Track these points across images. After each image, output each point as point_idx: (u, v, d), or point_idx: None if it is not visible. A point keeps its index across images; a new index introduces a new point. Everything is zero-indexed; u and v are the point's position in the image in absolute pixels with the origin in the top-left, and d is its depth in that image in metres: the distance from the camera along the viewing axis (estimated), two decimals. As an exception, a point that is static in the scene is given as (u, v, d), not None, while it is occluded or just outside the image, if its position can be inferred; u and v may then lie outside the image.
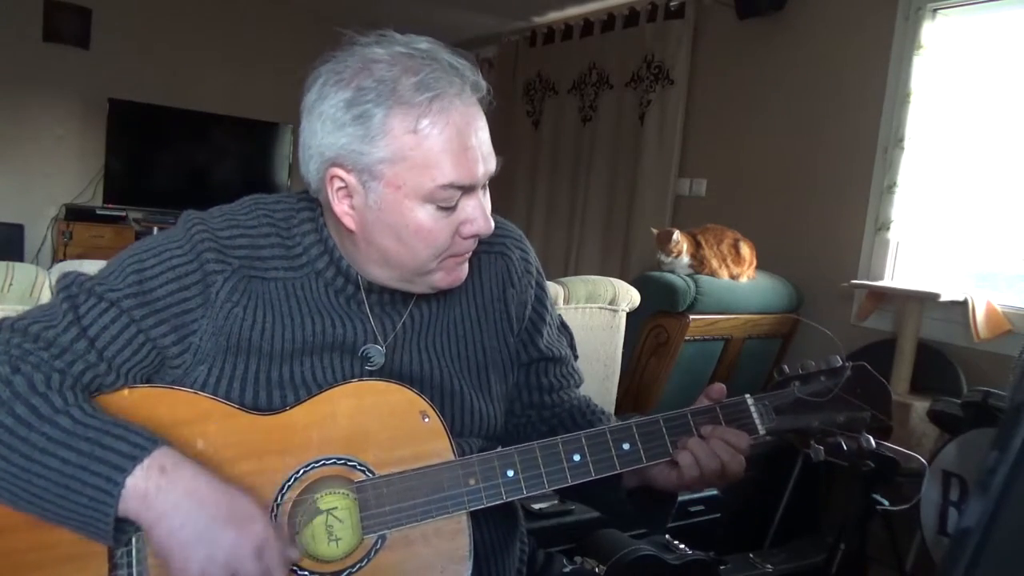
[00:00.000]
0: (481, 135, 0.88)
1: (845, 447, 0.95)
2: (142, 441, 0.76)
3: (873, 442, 0.95)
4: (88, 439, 0.75)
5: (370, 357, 0.93)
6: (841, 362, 0.96)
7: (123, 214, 4.52)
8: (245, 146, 5.03)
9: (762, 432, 0.94)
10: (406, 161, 0.84)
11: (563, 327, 1.14)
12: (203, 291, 0.87)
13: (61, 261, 1.28)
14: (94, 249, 4.31)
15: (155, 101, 4.61)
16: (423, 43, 0.87)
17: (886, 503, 1.83)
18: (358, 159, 0.85)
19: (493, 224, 0.92)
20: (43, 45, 4.39)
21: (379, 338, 0.95)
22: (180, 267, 0.87)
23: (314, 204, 0.96)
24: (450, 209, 0.87)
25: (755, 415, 0.94)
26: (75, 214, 4.36)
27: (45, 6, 4.36)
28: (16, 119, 4.40)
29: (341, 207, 0.88)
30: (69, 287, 0.85)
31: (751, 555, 2.26)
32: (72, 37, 4.45)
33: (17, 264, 1.16)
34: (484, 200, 0.91)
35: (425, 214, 0.86)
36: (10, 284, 1.12)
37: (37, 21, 4.35)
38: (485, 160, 0.88)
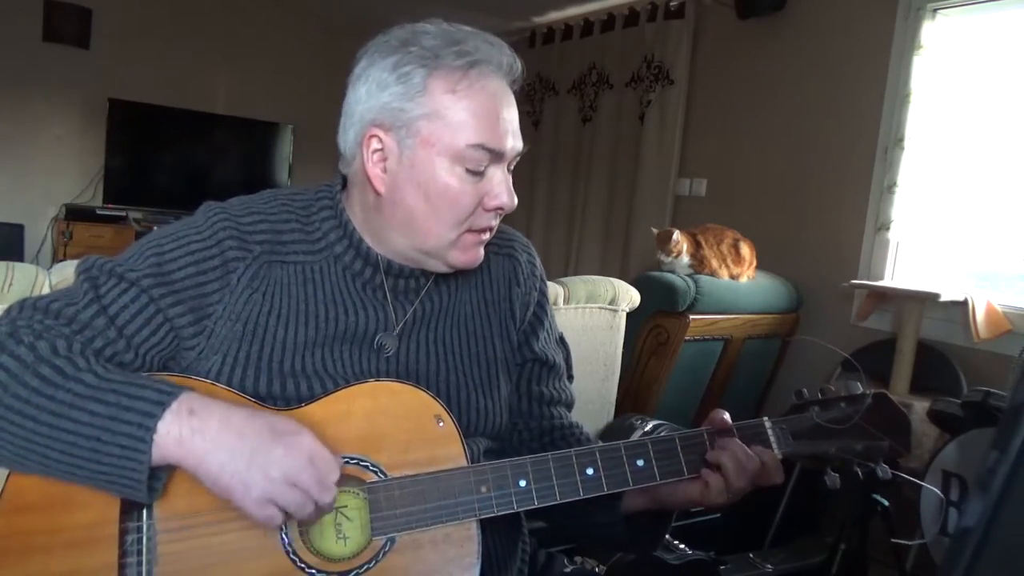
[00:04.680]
0: (512, 112, 0.93)
1: (861, 476, 0.94)
2: (167, 387, 0.78)
3: (890, 472, 0.95)
4: (114, 391, 0.77)
5: (384, 345, 0.95)
6: (862, 389, 0.96)
7: (123, 214, 4.53)
8: (245, 146, 5.02)
9: (778, 456, 0.94)
10: (442, 119, 0.88)
11: (561, 342, 1.15)
12: (222, 276, 0.89)
13: (61, 261, 1.27)
14: (94, 249, 4.30)
15: (155, 101, 4.61)
16: (467, 27, 0.94)
17: (886, 503, 1.84)
18: (398, 116, 0.89)
19: (516, 201, 0.94)
20: (43, 45, 4.39)
21: (394, 324, 0.96)
22: (199, 251, 0.89)
23: (332, 192, 0.98)
24: (477, 175, 0.90)
25: (772, 439, 0.95)
26: (75, 214, 4.36)
27: (45, 6, 4.36)
28: (16, 119, 4.40)
29: (375, 170, 0.92)
30: (89, 269, 0.87)
31: (751, 555, 2.26)
32: (72, 37, 4.45)
33: (17, 264, 1.15)
34: (509, 180, 0.94)
35: (453, 174, 0.90)
36: (10, 284, 1.12)
37: (37, 21, 4.35)
38: (514, 135, 0.92)
